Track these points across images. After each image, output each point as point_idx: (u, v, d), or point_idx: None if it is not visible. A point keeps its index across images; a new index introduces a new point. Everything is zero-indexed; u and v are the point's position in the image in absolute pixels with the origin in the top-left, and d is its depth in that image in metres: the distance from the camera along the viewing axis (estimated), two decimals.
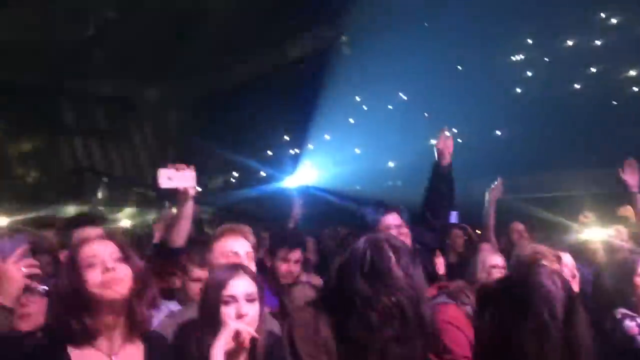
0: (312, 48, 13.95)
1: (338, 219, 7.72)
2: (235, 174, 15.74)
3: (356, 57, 13.22)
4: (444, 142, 3.91)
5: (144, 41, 12.61)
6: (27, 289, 2.08)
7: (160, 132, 16.62)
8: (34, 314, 2.20)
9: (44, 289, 2.18)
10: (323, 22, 13.51)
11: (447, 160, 3.91)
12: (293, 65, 13.91)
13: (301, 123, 13.40)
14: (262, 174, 14.68)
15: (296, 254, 3.78)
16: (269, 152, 15.17)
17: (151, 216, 12.75)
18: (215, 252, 2.71)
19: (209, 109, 14.88)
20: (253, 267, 2.63)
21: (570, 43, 12.73)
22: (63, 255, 2.51)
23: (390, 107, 13.96)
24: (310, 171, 13.29)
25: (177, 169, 2.92)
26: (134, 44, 12.69)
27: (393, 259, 2.06)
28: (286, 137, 15.01)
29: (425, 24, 12.42)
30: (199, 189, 3.11)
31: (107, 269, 1.88)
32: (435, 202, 3.91)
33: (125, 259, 1.95)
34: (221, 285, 2.20)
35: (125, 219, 11.42)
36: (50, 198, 12.59)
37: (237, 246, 2.71)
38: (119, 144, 16.25)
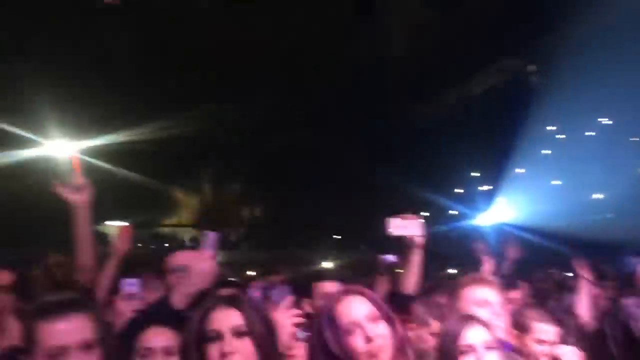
0: (498, 81, 13.60)
1: (541, 259, 7.25)
2: (424, 213, 15.69)
3: (546, 86, 12.57)
4: None
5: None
6: (293, 335, 2.30)
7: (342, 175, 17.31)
8: (298, 357, 2.42)
9: (305, 335, 2.39)
10: (509, 54, 13.13)
11: None
12: (479, 100, 13.68)
13: (491, 158, 13.01)
14: (453, 212, 14.44)
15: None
16: (459, 190, 14.90)
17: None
18: (463, 300, 2.71)
19: (394, 149, 15.17)
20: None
21: None
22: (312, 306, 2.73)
23: (590, 133, 12.94)
24: (505, 208, 12.74)
25: (405, 218, 3.03)
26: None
27: None
28: (476, 174, 14.65)
29: (627, 43, 11.40)
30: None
31: (369, 339, 1.85)
32: None
33: (384, 318, 1.91)
34: (456, 335, 2.22)
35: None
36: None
37: (489, 294, 2.68)
38: None
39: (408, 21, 11.57)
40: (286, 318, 2.23)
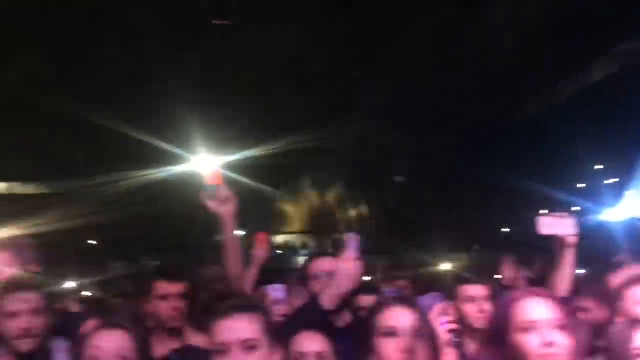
0: (623, 65, 12.56)
1: None
2: (544, 210, 14.89)
3: None
4: None
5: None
6: (447, 342, 2.25)
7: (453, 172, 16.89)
8: None
9: (457, 342, 2.33)
10: (632, 36, 12.11)
11: None
12: (601, 87, 12.73)
13: (615, 148, 12.09)
14: (575, 208, 13.55)
15: None
16: (581, 184, 14.00)
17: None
18: (629, 301, 2.58)
19: (509, 144, 14.57)
20: None
21: None
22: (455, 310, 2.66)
23: None
24: (636, 201, 11.73)
25: (556, 216, 2.90)
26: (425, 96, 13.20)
27: None
28: (599, 166, 13.68)
29: None
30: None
31: (547, 344, 1.74)
32: None
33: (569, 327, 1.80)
34: (627, 339, 2.07)
35: None
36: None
37: None
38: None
39: (519, 9, 11.01)
40: (440, 324, 2.19)
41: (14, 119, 12.15)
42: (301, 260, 18.35)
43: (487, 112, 13.91)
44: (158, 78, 10.64)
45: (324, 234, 20.17)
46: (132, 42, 10.04)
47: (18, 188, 16.66)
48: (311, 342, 2.20)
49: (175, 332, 2.63)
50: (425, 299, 2.27)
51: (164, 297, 2.61)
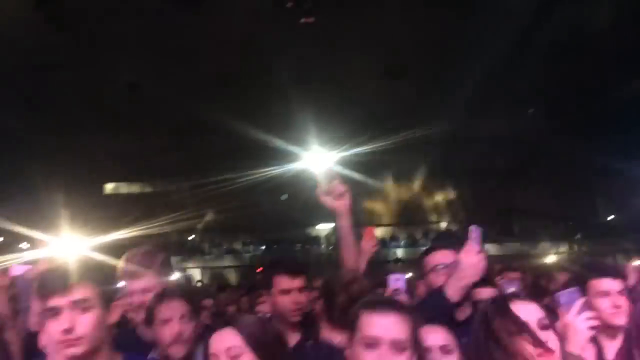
0: None
1: None
2: None
3: None
4: None
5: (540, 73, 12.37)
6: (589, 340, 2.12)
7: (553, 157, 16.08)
8: None
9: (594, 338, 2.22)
10: None
11: None
12: None
13: None
14: None
15: None
16: None
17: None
18: None
19: (611, 127, 13.61)
20: None
21: None
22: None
23: None
24: None
25: None
26: (525, 80, 12.64)
27: None
28: None
29: None
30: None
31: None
32: None
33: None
34: None
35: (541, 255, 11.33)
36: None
37: None
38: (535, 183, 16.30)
39: None
40: (581, 322, 2.09)
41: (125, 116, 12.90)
42: (393, 252, 18.30)
43: (591, 94, 13.10)
44: (267, 76, 10.97)
45: (413, 225, 19.95)
46: (243, 42, 10.40)
47: (124, 188, 17.77)
48: (436, 336, 2.18)
49: (297, 326, 2.68)
50: (562, 294, 2.16)
51: (286, 292, 2.66)
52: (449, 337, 2.19)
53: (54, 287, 1.68)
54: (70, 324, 1.65)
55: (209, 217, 16.64)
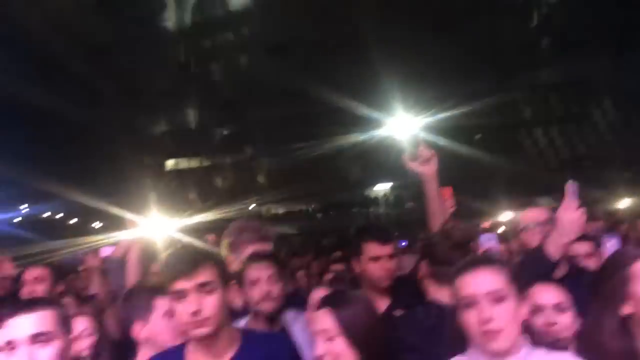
0: None
1: None
2: None
3: None
4: None
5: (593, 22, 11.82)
6: None
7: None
8: None
9: None
10: None
11: None
12: None
13: None
14: None
15: None
16: None
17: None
18: None
19: None
20: None
21: None
22: None
23: None
24: None
25: None
26: (578, 27, 12.11)
27: None
28: None
29: None
30: None
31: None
32: None
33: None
34: None
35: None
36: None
37: None
38: (580, 128, 15.79)
39: None
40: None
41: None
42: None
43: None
44: (354, 46, 10.86)
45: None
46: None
47: (183, 163, 18.17)
48: (549, 294, 2.12)
49: (386, 291, 2.70)
50: None
51: (376, 259, 2.68)
52: (563, 295, 2.15)
53: (179, 271, 1.73)
54: (198, 306, 1.71)
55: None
